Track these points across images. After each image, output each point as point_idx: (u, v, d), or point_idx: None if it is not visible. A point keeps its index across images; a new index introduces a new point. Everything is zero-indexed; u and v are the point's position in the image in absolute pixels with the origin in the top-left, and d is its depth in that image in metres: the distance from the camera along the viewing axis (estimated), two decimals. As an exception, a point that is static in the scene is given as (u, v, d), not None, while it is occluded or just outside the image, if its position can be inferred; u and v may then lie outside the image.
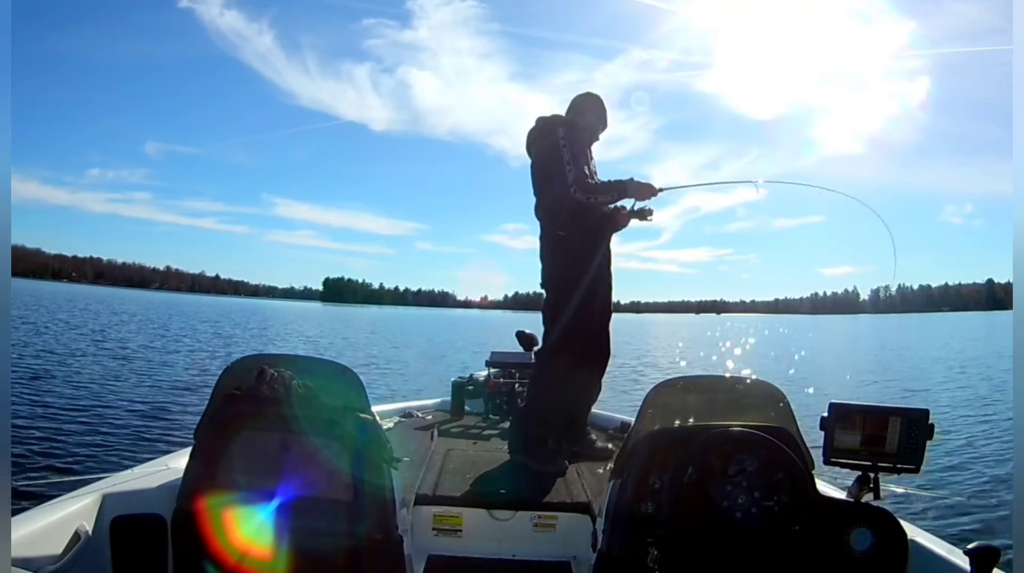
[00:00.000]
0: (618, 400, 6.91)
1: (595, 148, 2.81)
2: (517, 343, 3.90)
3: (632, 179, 2.61)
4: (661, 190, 2.65)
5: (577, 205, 2.54)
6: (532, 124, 2.74)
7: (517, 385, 3.55)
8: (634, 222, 2.74)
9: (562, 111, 2.79)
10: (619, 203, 2.67)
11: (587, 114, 2.74)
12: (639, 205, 2.68)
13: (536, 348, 3.75)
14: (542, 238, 2.69)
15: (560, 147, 2.54)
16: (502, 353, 3.85)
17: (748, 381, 1.73)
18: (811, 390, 10.69)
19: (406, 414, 3.36)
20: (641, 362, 17.23)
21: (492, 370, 3.71)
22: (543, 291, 2.72)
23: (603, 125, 2.80)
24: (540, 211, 2.69)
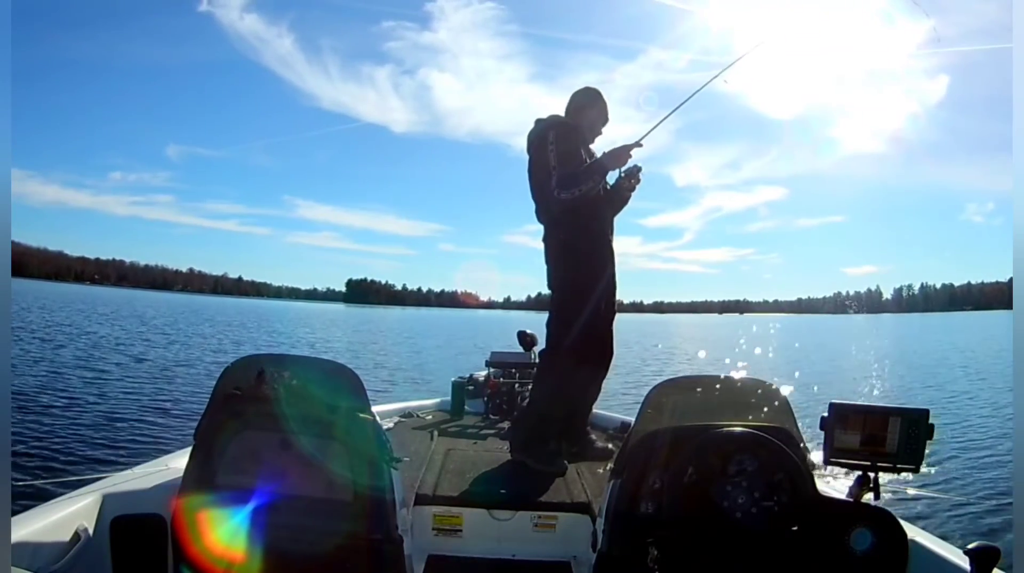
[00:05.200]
0: (618, 400, 6.91)
1: (600, 142, 2.77)
2: (518, 343, 3.90)
3: (603, 153, 2.58)
4: (638, 144, 2.58)
5: (567, 204, 2.51)
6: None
7: (517, 385, 3.54)
8: (638, 188, 2.70)
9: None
10: (613, 181, 2.67)
11: (586, 111, 2.72)
12: (624, 170, 2.63)
13: (537, 348, 3.76)
14: (545, 241, 2.69)
15: (548, 152, 2.52)
16: (502, 353, 3.85)
17: (748, 381, 1.73)
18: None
19: (406, 414, 3.36)
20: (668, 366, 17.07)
21: (492, 370, 3.70)
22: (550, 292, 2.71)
23: (604, 120, 2.76)
24: (541, 215, 2.68)
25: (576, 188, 2.49)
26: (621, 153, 2.56)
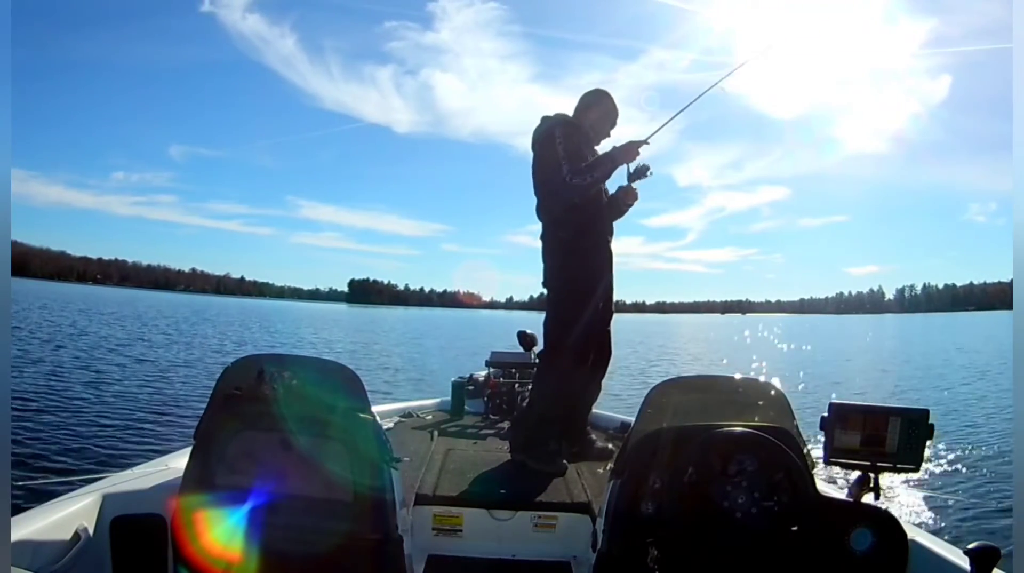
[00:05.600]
0: (618, 400, 6.91)
1: (607, 144, 2.75)
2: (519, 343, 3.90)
3: (613, 147, 2.60)
4: (646, 141, 2.60)
5: (577, 192, 2.52)
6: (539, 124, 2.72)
7: (517, 385, 3.54)
8: (641, 190, 2.71)
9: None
10: (621, 185, 2.67)
11: (590, 111, 2.73)
12: (633, 166, 2.64)
13: (536, 348, 3.76)
14: (543, 238, 2.69)
15: (556, 145, 2.53)
16: (502, 353, 3.85)
17: (748, 381, 1.73)
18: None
19: (406, 414, 3.36)
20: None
21: (492, 370, 3.70)
22: (545, 290, 2.72)
23: (610, 123, 2.76)
24: (541, 212, 2.69)
25: (589, 175, 2.52)
26: (630, 148, 2.59)
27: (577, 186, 2.51)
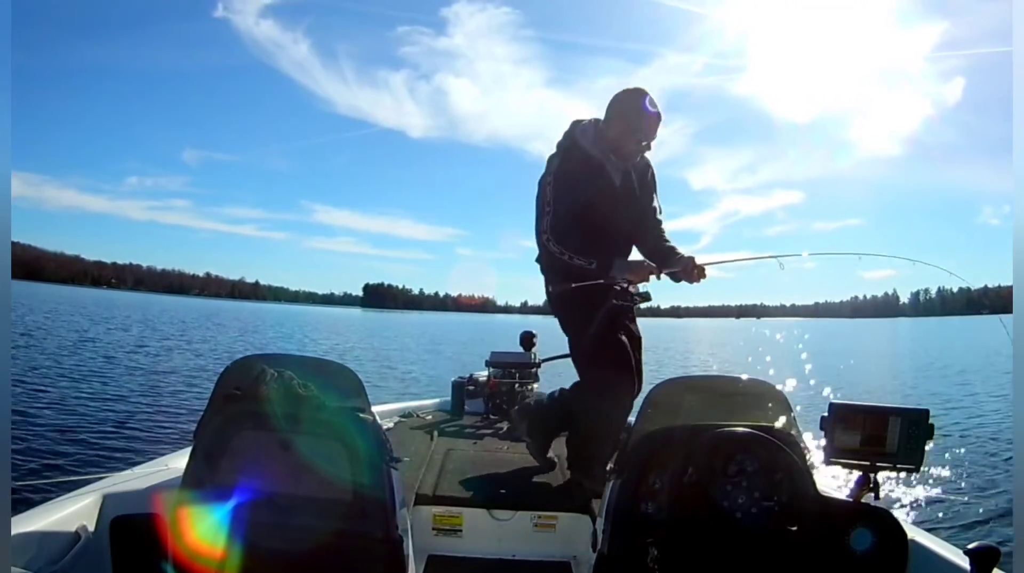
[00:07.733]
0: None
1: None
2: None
3: (618, 263, 2.21)
4: (658, 275, 2.23)
5: (546, 254, 2.25)
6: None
7: (517, 385, 3.55)
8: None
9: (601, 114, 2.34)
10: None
11: (612, 124, 2.26)
12: (638, 287, 2.29)
13: (536, 349, 3.78)
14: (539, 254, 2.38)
15: (546, 184, 2.23)
16: (502, 353, 3.85)
17: (749, 381, 1.73)
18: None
19: (406, 414, 3.37)
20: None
21: (492, 370, 3.71)
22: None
23: (636, 133, 2.22)
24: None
25: (567, 255, 2.17)
26: (641, 271, 2.23)
27: (550, 251, 2.19)
